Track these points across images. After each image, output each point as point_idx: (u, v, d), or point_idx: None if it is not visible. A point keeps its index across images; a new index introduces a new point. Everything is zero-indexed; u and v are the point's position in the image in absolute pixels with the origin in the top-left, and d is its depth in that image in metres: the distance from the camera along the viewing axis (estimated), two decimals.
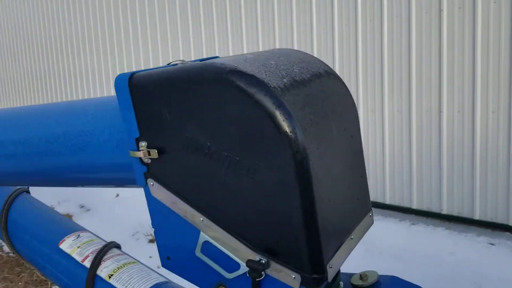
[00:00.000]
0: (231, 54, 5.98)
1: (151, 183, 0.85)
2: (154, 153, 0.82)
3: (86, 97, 8.88)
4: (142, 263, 1.27)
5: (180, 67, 0.79)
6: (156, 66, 0.93)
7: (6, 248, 4.74)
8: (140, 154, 0.84)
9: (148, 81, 0.81)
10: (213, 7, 5.69)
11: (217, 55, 6.05)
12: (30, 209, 2.19)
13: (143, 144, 0.83)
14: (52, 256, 1.75)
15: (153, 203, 0.86)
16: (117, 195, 5.68)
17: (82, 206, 5.59)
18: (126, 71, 6.10)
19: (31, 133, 1.13)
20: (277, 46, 5.25)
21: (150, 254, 3.95)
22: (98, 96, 8.66)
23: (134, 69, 6.27)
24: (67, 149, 1.05)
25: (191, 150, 0.78)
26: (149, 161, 0.84)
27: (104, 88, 8.29)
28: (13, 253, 1.98)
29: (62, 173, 1.15)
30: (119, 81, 0.83)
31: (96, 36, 8.20)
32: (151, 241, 4.40)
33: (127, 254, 1.35)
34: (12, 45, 11.70)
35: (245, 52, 5.57)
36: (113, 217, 4.58)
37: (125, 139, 0.92)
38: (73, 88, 9.63)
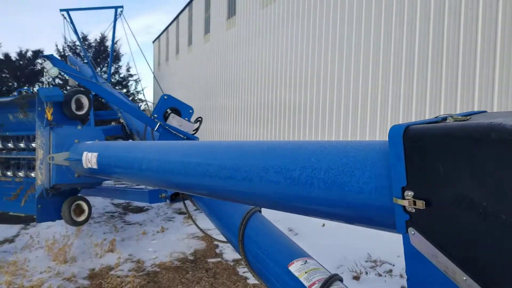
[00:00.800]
0: (458, 110, 5.75)
1: (412, 232, 0.87)
2: (421, 204, 0.84)
3: (328, 129, 9.49)
4: None
5: (462, 124, 0.79)
6: (425, 119, 0.96)
7: (226, 256, 5.39)
8: (405, 202, 0.87)
9: (424, 135, 0.83)
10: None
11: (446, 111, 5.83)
12: (263, 228, 2.46)
13: (409, 193, 0.86)
14: (281, 275, 1.93)
15: (411, 252, 0.88)
16: (323, 225, 5.86)
17: (290, 229, 5.96)
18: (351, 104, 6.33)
19: (295, 165, 1.28)
20: None
21: None
22: (326, 128, 9.16)
23: (368, 105, 6.46)
24: (325, 184, 1.15)
25: (463, 207, 0.77)
26: (413, 210, 0.86)
27: (340, 124, 8.73)
28: (245, 265, 2.25)
29: (312, 204, 1.27)
30: (394, 131, 0.88)
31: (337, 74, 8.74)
32: (355, 277, 4.38)
33: None
34: (248, 79, 13.45)
35: (475, 108, 5.37)
36: (319, 246, 4.73)
37: (385, 184, 0.97)
38: (299, 119, 10.43)
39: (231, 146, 1.69)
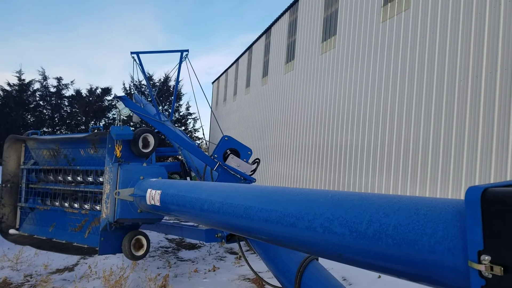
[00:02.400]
0: None
1: None
2: (498, 270, 0.82)
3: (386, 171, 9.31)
4: None
5: None
6: (502, 181, 0.94)
7: None
8: (481, 267, 0.85)
9: (504, 198, 0.82)
10: None
11: None
12: (321, 277, 2.43)
13: (486, 258, 0.84)
14: None
15: None
16: (379, 277, 5.62)
17: (344, 278, 5.76)
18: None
19: (362, 217, 1.27)
20: None
21: None
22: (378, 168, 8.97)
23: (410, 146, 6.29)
24: (393, 240, 1.14)
25: None
26: (490, 276, 0.84)
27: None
28: None
29: (379, 260, 1.25)
30: (471, 193, 0.87)
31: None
32: None
33: None
34: (304, 121, 13.52)
35: None
36: None
37: (459, 246, 0.95)
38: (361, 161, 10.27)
39: (294, 193, 1.69)
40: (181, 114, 32.70)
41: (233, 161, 4.97)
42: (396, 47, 8.89)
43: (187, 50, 8.55)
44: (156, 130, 6.02)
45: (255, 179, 5.17)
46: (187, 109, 32.99)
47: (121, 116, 4.57)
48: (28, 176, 5.07)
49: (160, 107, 26.45)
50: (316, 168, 12.43)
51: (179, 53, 8.69)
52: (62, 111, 29.99)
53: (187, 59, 8.61)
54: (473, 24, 6.85)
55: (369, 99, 9.77)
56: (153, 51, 9.14)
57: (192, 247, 8.03)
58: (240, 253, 3.06)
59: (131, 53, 8.37)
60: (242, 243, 4.55)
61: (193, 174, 7.52)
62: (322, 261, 2.31)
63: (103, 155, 4.03)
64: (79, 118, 30.11)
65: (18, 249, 6.44)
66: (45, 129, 28.80)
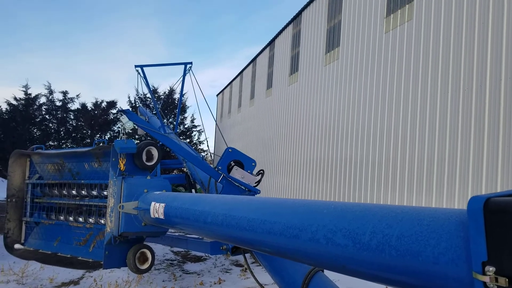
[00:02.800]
0: None
1: None
2: (503, 282, 0.80)
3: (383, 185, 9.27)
4: None
5: None
6: (505, 191, 0.93)
7: None
8: (486, 278, 0.83)
9: (508, 208, 0.81)
10: None
11: None
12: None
13: (490, 269, 0.83)
14: None
15: None
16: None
17: None
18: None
19: (364, 229, 1.26)
20: None
21: None
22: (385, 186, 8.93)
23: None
24: (397, 252, 1.13)
25: None
26: (495, 287, 0.82)
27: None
28: None
29: (382, 271, 1.23)
30: (474, 203, 0.87)
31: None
32: None
33: None
34: (308, 133, 13.52)
35: None
36: None
37: (463, 257, 0.94)
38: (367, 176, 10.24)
39: (297, 205, 1.67)
40: (186, 126, 32.80)
41: (237, 173, 4.97)
42: (399, 57, 8.90)
43: (191, 63, 8.60)
44: (160, 143, 6.04)
45: (259, 191, 5.16)
46: (192, 121, 33.11)
47: (126, 130, 4.59)
48: (33, 190, 5.09)
49: (165, 120, 26.58)
50: (321, 181, 12.39)
51: (183, 66, 8.75)
52: (68, 124, 30.16)
53: (190, 71, 8.65)
54: (476, 34, 6.86)
55: (373, 110, 9.76)
56: (157, 64, 9.20)
57: (198, 259, 7.99)
58: (246, 265, 3.03)
59: (135, 66, 8.43)
60: (247, 255, 4.53)
61: (198, 186, 7.51)
62: (328, 272, 2.28)
63: (107, 169, 4.03)
64: (84, 131, 30.26)
65: (24, 263, 6.44)
66: (51, 142, 28.95)
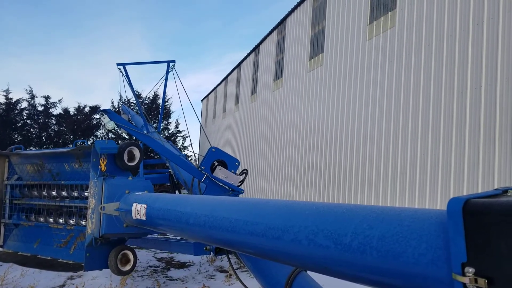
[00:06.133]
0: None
1: None
2: (483, 283, 0.80)
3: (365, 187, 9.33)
4: None
5: None
6: (484, 191, 0.94)
7: None
8: (465, 279, 0.84)
9: (486, 209, 0.81)
10: None
11: None
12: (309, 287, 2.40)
13: (470, 270, 0.83)
14: None
15: None
16: None
17: None
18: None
19: (346, 230, 1.26)
20: None
21: None
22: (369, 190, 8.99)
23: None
24: (378, 253, 1.13)
25: None
26: None
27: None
28: None
29: (364, 272, 1.23)
30: (453, 204, 0.87)
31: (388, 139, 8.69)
32: None
33: None
34: (293, 138, 13.56)
35: None
36: None
37: (443, 257, 0.94)
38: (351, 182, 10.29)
39: (279, 206, 1.67)
40: (170, 132, 32.62)
41: (220, 173, 4.94)
42: (382, 64, 9.01)
43: (174, 61, 8.57)
44: (142, 143, 5.96)
45: (243, 190, 5.14)
46: (176, 126, 32.97)
47: (106, 130, 4.55)
48: (12, 191, 4.98)
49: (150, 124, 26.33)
50: (305, 186, 12.43)
51: (166, 67, 8.72)
52: (50, 129, 29.73)
53: (174, 70, 8.61)
54: (457, 41, 6.99)
55: (356, 116, 9.84)
56: (140, 62, 9.17)
57: (182, 266, 7.91)
58: (231, 269, 3.01)
59: (117, 64, 8.35)
60: (232, 257, 4.50)
61: (182, 186, 7.46)
62: (312, 272, 2.28)
63: (88, 169, 3.97)
64: (66, 136, 29.86)
65: (4, 270, 6.29)
66: (32, 148, 28.48)
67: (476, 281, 0.82)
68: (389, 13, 9.02)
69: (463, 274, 0.84)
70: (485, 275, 0.81)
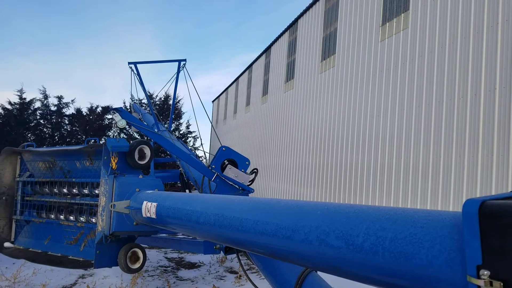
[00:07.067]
0: None
1: None
2: (498, 286, 0.79)
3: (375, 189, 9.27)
4: None
5: None
6: (500, 193, 0.92)
7: None
8: (480, 282, 0.82)
9: (503, 211, 0.80)
10: None
11: None
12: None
13: (485, 273, 0.82)
14: None
15: None
16: None
17: None
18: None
19: (358, 230, 1.25)
20: None
21: None
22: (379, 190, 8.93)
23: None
24: (390, 254, 1.11)
25: None
26: None
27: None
28: None
29: (376, 274, 1.22)
30: (469, 206, 0.85)
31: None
32: None
33: None
34: (304, 139, 13.53)
35: None
36: None
37: (458, 260, 0.93)
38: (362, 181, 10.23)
39: (290, 206, 1.65)
40: (181, 132, 32.76)
41: (231, 172, 4.94)
42: (395, 66, 8.95)
43: (185, 60, 8.57)
44: (153, 142, 5.97)
45: (253, 190, 5.13)
46: (187, 127, 33.10)
47: (118, 128, 4.58)
48: (24, 188, 5.03)
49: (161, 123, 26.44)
50: (316, 186, 12.38)
51: (177, 68, 8.74)
52: (63, 129, 30.04)
53: (185, 69, 8.63)
54: (471, 42, 6.91)
55: (368, 117, 9.79)
56: (151, 61, 9.21)
57: (192, 266, 7.93)
58: (241, 270, 3.00)
59: (129, 63, 8.39)
60: (242, 258, 4.49)
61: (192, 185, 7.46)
62: (321, 273, 2.27)
63: (99, 167, 3.99)
64: (79, 136, 30.15)
65: (16, 268, 6.37)
66: (45, 147, 28.77)
67: (491, 284, 0.80)
68: (402, 14, 8.96)
69: (478, 277, 0.83)
70: (501, 278, 0.79)
